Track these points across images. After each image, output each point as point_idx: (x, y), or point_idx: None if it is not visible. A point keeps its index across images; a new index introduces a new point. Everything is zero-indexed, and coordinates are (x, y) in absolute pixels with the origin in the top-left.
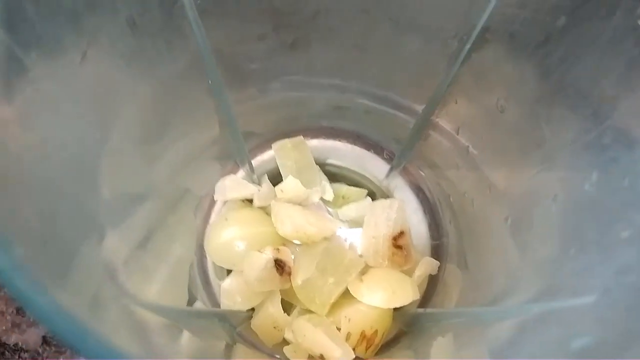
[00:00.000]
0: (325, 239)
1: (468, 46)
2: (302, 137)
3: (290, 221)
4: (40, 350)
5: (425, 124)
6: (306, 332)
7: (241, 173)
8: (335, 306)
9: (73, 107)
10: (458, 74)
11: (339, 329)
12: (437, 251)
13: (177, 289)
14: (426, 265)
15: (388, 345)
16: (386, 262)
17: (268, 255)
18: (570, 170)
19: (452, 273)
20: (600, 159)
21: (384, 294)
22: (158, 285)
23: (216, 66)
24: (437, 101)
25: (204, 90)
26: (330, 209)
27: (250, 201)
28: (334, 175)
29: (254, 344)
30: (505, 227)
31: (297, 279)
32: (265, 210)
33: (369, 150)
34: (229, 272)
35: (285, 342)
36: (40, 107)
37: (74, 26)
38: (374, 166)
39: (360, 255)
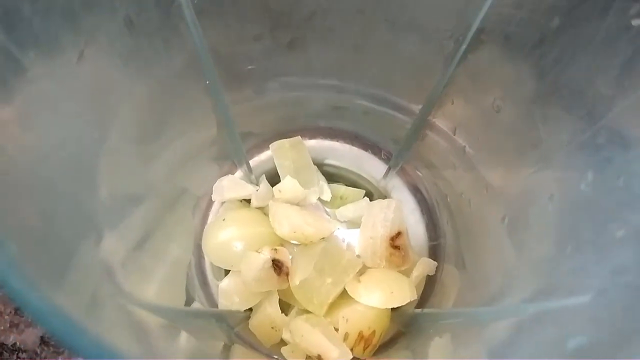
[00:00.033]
0: (323, 239)
1: (464, 47)
2: (299, 137)
3: (288, 221)
4: (38, 351)
5: (422, 124)
6: (304, 332)
7: (239, 173)
8: (333, 306)
9: (71, 106)
10: (454, 75)
11: (336, 330)
12: (434, 251)
13: (175, 289)
14: (424, 266)
15: (386, 345)
16: (384, 263)
17: (266, 255)
18: (566, 170)
19: (449, 273)
20: (595, 159)
21: (381, 294)
22: (156, 286)
23: (213, 66)
24: (434, 101)
25: (202, 89)
26: (328, 209)
27: (248, 201)
28: (331, 176)
29: (252, 344)
30: (502, 226)
31: (295, 279)
32: (263, 210)
33: (366, 150)
34: (226, 272)
35: (283, 342)
36: (38, 107)
37: (71, 25)
38: (371, 166)
39: (358, 256)
